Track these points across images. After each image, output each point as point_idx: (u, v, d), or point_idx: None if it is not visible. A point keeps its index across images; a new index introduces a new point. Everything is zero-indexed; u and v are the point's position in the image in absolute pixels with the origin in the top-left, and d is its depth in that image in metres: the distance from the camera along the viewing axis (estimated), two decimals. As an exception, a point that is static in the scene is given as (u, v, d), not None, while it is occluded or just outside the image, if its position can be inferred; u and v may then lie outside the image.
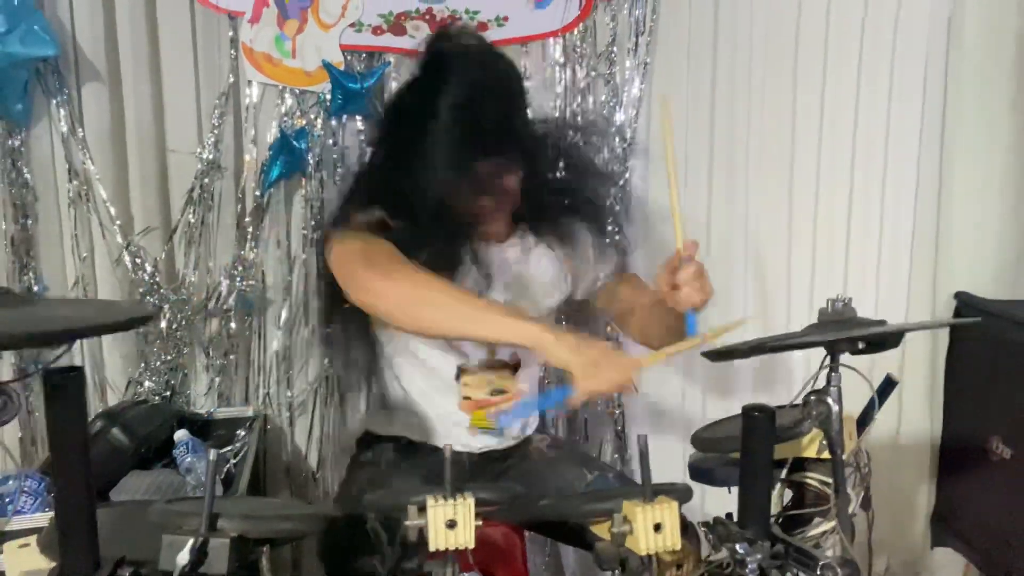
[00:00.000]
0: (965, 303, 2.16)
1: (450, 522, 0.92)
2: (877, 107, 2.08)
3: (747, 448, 1.00)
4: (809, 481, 1.23)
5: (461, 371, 1.53)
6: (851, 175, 2.11)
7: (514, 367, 1.54)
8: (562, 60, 1.95)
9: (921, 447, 2.25)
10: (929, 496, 2.28)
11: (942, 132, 2.11)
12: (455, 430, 1.53)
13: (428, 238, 1.40)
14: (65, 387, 0.84)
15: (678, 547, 0.97)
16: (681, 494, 1.03)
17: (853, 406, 1.44)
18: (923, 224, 2.15)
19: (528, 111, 1.60)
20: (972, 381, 2.15)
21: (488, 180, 1.46)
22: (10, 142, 1.77)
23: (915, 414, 2.22)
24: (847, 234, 2.14)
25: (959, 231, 2.17)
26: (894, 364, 2.14)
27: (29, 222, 1.82)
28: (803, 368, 2.01)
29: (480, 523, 0.95)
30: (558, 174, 1.66)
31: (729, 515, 1.09)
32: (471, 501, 0.93)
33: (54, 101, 1.77)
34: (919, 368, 2.20)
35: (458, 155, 1.39)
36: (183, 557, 0.89)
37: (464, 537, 0.92)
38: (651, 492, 0.98)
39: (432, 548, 0.92)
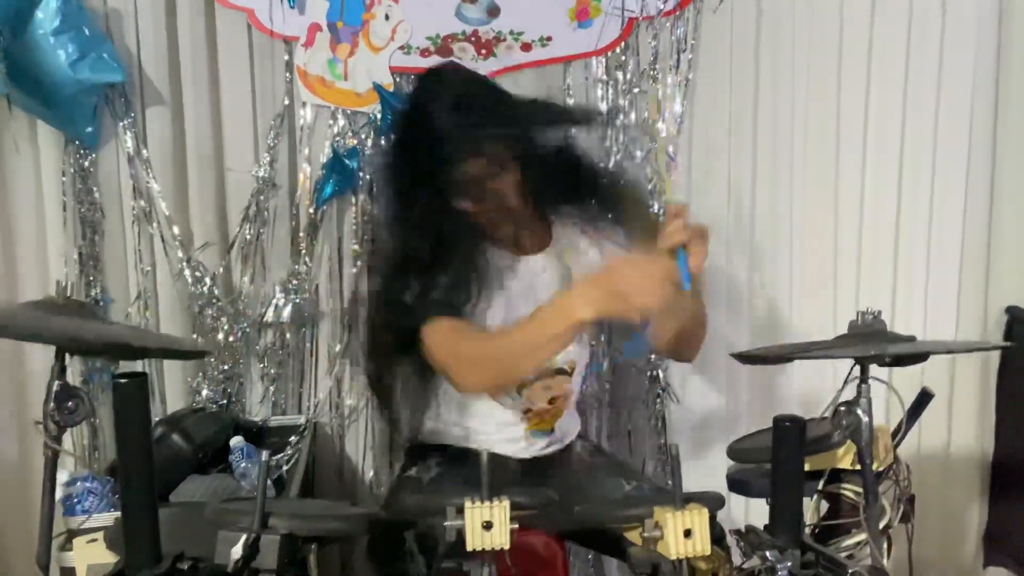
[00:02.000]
0: (1017, 318, 2.13)
1: (486, 523, 0.96)
2: (924, 117, 2.07)
3: (778, 458, 1.03)
4: (845, 492, 1.25)
5: (522, 386, 1.57)
6: (898, 187, 2.11)
7: (570, 371, 1.59)
8: (604, 78, 1.99)
9: (972, 464, 2.22)
10: (981, 514, 2.25)
11: (993, 142, 2.09)
12: (507, 435, 1.58)
13: (446, 257, 1.47)
14: (132, 390, 0.90)
15: (708, 553, 0.99)
16: (712, 502, 1.05)
17: (896, 417, 1.45)
18: (973, 237, 2.13)
19: (514, 116, 1.57)
20: (1024, 397, 2.12)
21: (476, 183, 1.48)
22: (80, 162, 1.87)
23: (966, 429, 2.19)
24: (894, 247, 2.13)
25: (1010, 244, 2.14)
26: (944, 377, 2.12)
27: (96, 238, 1.92)
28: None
29: (516, 526, 0.99)
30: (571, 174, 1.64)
31: (767, 524, 1.11)
32: (507, 504, 0.97)
33: (121, 124, 1.87)
34: (970, 382, 2.17)
35: (440, 163, 1.45)
36: (237, 552, 0.95)
37: (500, 538, 0.96)
38: (682, 499, 1.00)
39: (469, 548, 0.97)
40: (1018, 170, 2.12)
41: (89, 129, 1.84)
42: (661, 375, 2.09)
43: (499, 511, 0.96)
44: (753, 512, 1.96)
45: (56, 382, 0.89)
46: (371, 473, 2.06)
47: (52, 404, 0.88)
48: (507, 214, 1.53)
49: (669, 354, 1.73)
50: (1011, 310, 2.15)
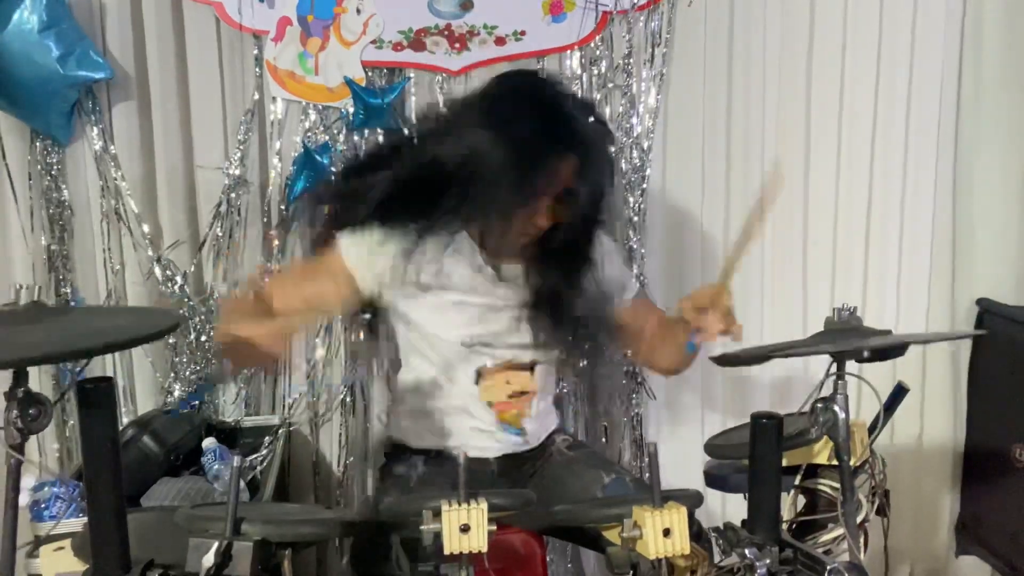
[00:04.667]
0: (987, 310, 2.16)
1: (464, 526, 0.95)
2: (894, 111, 2.08)
3: (755, 455, 1.02)
4: (821, 487, 1.25)
5: (480, 374, 1.56)
6: (869, 182, 2.12)
7: (531, 367, 1.57)
8: (579, 72, 1.98)
9: (944, 454, 2.24)
10: (953, 504, 2.27)
11: (956, 134, 2.10)
12: (474, 433, 1.57)
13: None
14: (97, 396, 0.88)
15: (687, 552, 0.99)
16: (691, 500, 1.05)
17: (870, 412, 1.45)
18: (941, 230, 2.14)
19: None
20: (996, 388, 2.15)
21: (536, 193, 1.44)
22: (48, 160, 1.84)
23: (937, 421, 2.21)
24: (865, 241, 2.14)
25: (981, 237, 2.16)
26: (915, 371, 2.14)
27: (65, 236, 1.88)
28: (823, 375, 2.02)
29: (494, 528, 0.98)
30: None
31: (744, 521, 1.11)
32: (485, 506, 0.96)
33: (88, 120, 1.84)
34: (940, 375, 2.19)
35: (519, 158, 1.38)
36: (208, 559, 0.93)
37: (478, 541, 0.95)
38: (660, 497, 1.00)
39: (447, 551, 0.95)
40: (985, 164, 2.14)
41: (65, 127, 1.81)
42: (637, 371, 2.09)
43: (476, 513, 0.95)
44: (730, 507, 1.98)
45: (18, 389, 0.86)
46: (346, 473, 2.04)
47: (15, 412, 0.86)
48: (524, 230, 1.49)
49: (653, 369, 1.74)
50: (982, 302, 2.17)
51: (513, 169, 1.37)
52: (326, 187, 1.77)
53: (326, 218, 1.59)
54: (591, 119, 1.51)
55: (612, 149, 1.58)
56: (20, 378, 0.87)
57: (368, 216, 1.48)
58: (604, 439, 2.12)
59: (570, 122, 1.43)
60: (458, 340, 1.53)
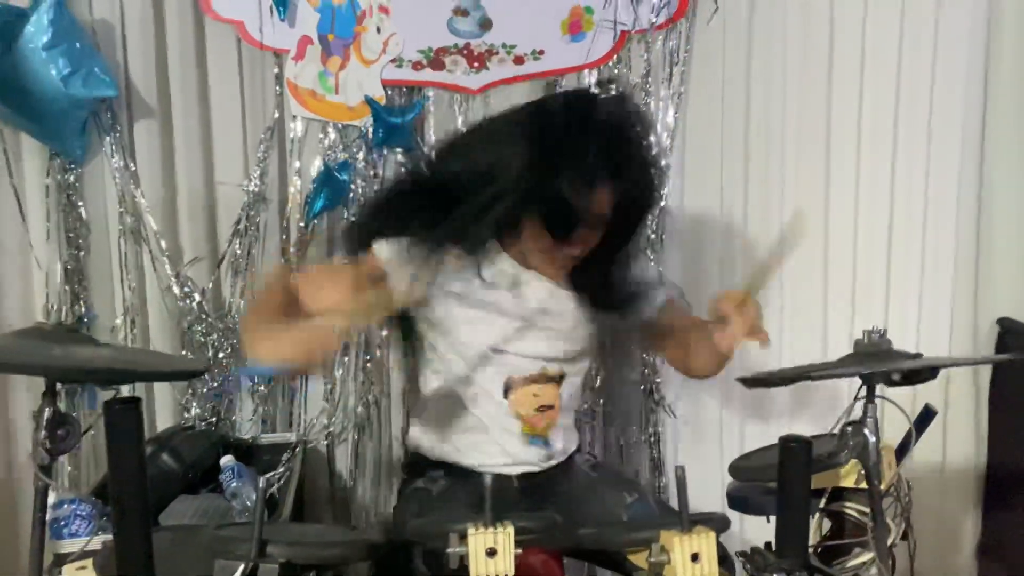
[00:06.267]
0: (1008, 329, 2.14)
1: (490, 550, 0.94)
2: (915, 131, 2.07)
3: (784, 478, 1.01)
4: (848, 511, 1.24)
5: (508, 388, 1.55)
6: (890, 200, 2.10)
7: (559, 379, 1.56)
8: (597, 91, 1.98)
9: (967, 477, 2.22)
10: (975, 527, 2.24)
11: (981, 153, 2.09)
12: (499, 446, 1.56)
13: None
14: (126, 417, 0.88)
15: (716, 576, 0.97)
16: (719, 524, 1.04)
17: (894, 435, 1.44)
18: (964, 249, 2.13)
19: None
20: (1018, 409, 2.12)
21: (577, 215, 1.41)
22: (66, 177, 1.84)
23: (960, 444, 2.19)
24: (887, 260, 2.13)
25: (1001, 256, 2.15)
26: (937, 393, 2.12)
27: (81, 254, 1.89)
28: (843, 396, 2.00)
29: (520, 551, 0.97)
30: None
31: (768, 544, 1.10)
32: (511, 530, 0.95)
33: (108, 138, 1.84)
34: (963, 397, 2.17)
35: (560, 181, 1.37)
36: (234, 581, 0.92)
37: (504, 565, 0.94)
38: (688, 522, 0.99)
39: (473, 575, 0.94)
40: (1008, 181, 2.12)
41: (78, 145, 1.81)
42: (654, 390, 2.07)
43: (503, 537, 0.94)
44: (749, 529, 1.96)
45: (47, 409, 0.86)
46: (363, 492, 2.03)
47: (44, 432, 0.86)
48: (565, 251, 1.48)
49: (683, 371, 1.71)
50: (1002, 322, 2.16)
51: (551, 200, 1.36)
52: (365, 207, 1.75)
53: (362, 230, 1.57)
54: (641, 141, 1.51)
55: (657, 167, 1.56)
56: (50, 400, 0.87)
57: (403, 225, 1.47)
58: (621, 458, 2.11)
59: (614, 153, 1.40)
60: (487, 348, 1.52)
